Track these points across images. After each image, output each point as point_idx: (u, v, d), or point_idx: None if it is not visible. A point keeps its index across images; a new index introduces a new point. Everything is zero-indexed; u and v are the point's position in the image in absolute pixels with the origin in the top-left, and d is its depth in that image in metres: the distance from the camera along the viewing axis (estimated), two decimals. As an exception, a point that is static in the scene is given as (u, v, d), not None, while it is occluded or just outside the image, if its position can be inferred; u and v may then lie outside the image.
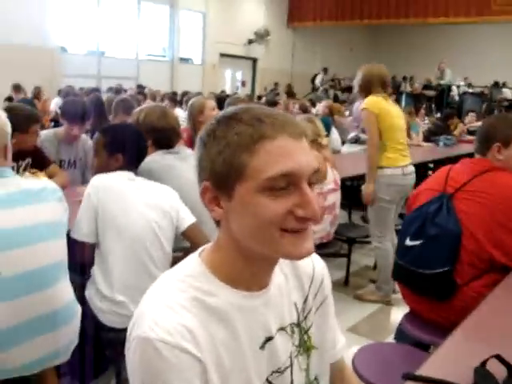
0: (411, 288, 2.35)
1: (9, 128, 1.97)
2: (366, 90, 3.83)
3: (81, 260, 2.31)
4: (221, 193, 0.92)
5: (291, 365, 1.05)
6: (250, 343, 0.98)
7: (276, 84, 17.61)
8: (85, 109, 3.78)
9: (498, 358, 1.37)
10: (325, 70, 18.13)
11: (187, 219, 2.39)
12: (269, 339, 1.00)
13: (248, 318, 0.97)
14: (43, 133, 3.70)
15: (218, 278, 0.97)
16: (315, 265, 1.16)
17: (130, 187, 2.35)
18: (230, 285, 0.97)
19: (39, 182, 2.04)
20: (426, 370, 1.40)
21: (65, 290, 2.01)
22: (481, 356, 1.39)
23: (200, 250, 1.03)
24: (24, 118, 3.05)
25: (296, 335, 1.07)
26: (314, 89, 17.83)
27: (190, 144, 4.09)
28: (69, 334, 2.01)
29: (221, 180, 0.91)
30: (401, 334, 2.60)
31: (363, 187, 3.86)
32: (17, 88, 9.04)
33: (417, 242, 2.28)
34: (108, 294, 2.23)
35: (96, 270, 2.29)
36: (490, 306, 1.85)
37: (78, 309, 2.08)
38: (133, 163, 2.48)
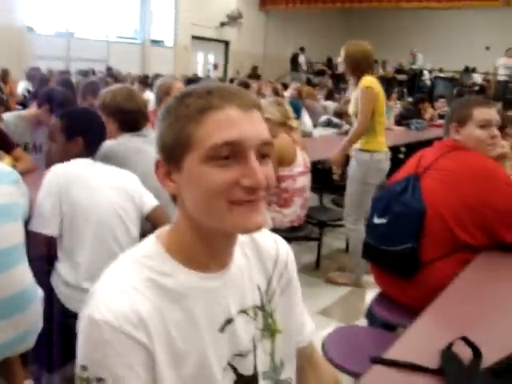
0: (379, 266, 2.39)
1: None
2: (359, 69, 3.78)
3: (44, 249, 2.24)
4: (171, 166, 0.92)
5: (254, 348, 1.04)
6: (209, 325, 0.96)
7: (255, 68, 17.53)
8: (73, 101, 3.68)
9: (464, 339, 1.38)
10: (302, 49, 18.11)
11: (150, 202, 2.36)
12: (229, 321, 0.99)
13: (206, 299, 0.96)
14: (7, 115, 3.60)
15: (174, 259, 0.95)
16: (279, 247, 1.15)
17: (92, 171, 2.29)
18: (187, 266, 0.95)
19: None
20: (394, 352, 1.40)
21: (23, 273, 1.95)
22: (448, 338, 1.40)
23: (158, 231, 1.01)
24: None
25: (260, 318, 1.05)
26: (296, 69, 17.79)
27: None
28: (29, 319, 1.95)
29: (170, 153, 0.91)
30: (371, 316, 2.61)
31: (333, 154, 3.89)
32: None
33: (383, 220, 2.31)
34: (74, 282, 2.18)
35: (60, 258, 2.23)
36: (457, 288, 1.86)
37: (39, 293, 2.03)
38: (92, 148, 2.42)
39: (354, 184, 3.90)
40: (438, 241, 2.17)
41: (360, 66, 3.77)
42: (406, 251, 2.18)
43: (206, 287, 0.96)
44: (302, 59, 18.10)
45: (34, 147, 3.70)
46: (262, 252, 1.10)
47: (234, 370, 1.01)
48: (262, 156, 0.90)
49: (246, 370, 1.03)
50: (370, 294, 3.68)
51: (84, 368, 0.87)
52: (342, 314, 3.69)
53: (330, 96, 9.49)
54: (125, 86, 3.12)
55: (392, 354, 1.39)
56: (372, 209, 2.47)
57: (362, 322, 3.14)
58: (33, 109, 3.80)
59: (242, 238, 1.04)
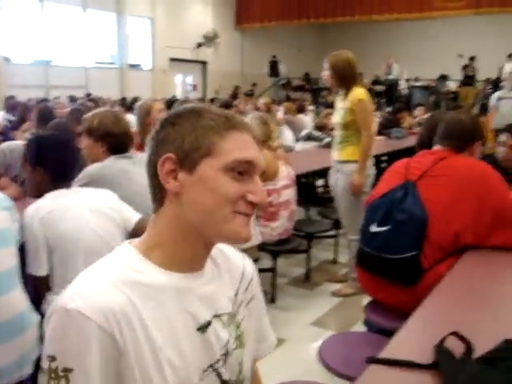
0: (377, 274, 2.37)
1: None
2: (346, 78, 3.83)
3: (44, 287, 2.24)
4: (183, 166, 0.98)
5: (227, 355, 1.05)
6: (186, 324, 0.99)
7: (237, 87, 17.69)
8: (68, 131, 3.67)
9: (456, 334, 1.42)
10: (274, 57, 18.39)
11: (132, 217, 2.34)
12: (208, 323, 1.02)
13: (182, 299, 0.99)
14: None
15: (148, 260, 0.99)
16: (245, 262, 1.20)
17: (69, 201, 2.24)
18: (163, 267, 0.99)
19: None
20: (388, 352, 1.43)
21: (17, 298, 1.96)
22: (440, 335, 1.43)
23: (128, 240, 1.07)
24: None
25: (232, 326, 1.08)
26: (276, 75, 18.05)
27: (140, 147, 4.08)
28: (26, 344, 1.95)
29: (187, 154, 0.97)
30: (369, 323, 2.63)
31: (355, 177, 3.85)
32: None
33: (384, 228, 2.30)
34: None
35: (53, 288, 2.21)
36: (446, 286, 1.91)
37: (35, 318, 2.02)
38: (59, 176, 2.30)
39: (348, 196, 3.91)
40: (438, 246, 2.20)
41: (346, 75, 3.82)
42: (410, 259, 2.20)
43: (182, 287, 1.00)
44: (282, 66, 18.36)
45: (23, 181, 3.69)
46: (230, 263, 1.15)
47: (218, 374, 1.03)
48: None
49: (224, 375, 1.05)
50: (360, 301, 3.71)
51: (52, 358, 0.88)
52: (335, 324, 3.72)
53: (301, 110, 9.53)
54: (109, 110, 3.15)
55: (387, 354, 1.42)
56: (367, 217, 2.46)
57: (356, 329, 3.17)
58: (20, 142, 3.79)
59: (214, 250, 1.08)
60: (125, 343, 0.90)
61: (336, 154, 4.04)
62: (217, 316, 1.04)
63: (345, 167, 3.92)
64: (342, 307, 3.91)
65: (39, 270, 2.17)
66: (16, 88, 12.15)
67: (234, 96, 14.89)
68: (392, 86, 16.34)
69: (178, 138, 0.98)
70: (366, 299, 2.62)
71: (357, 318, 3.41)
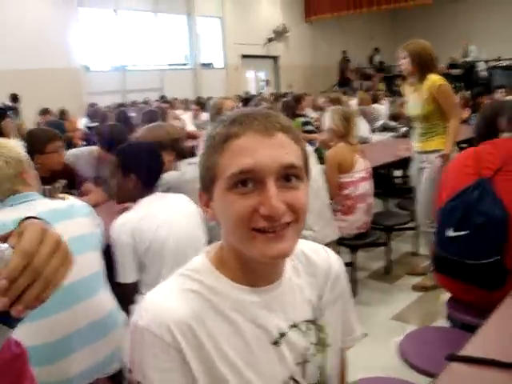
0: (457, 278, 2.26)
1: (23, 155, 2.02)
2: (426, 66, 3.73)
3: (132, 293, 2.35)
4: (207, 195, 0.97)
5: (305, 362, 1.04)
6: (259, 339, 0.97)
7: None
8: (122, 135, 3.79)
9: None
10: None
11: None
12: (282, 335, 1.00)
13: (255, 313, 0.97)
14: (75, 151, 3.78)
15: (221, 274, 0.99)
16: (330, 259, 1.15)
17: (158, 206, 2.36)
18: (235, 281, 0.98)
19: (67, 201, 2.10)
20: (471, 349, 1.40)
21: (105, 299, 2.08)
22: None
23: (208, 247, 1.07)
24: (37, 139, 3.13)
25: (312, 332, 1.06)
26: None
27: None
28: (115, 342, 2.06)
29: (204, 183, 0.97)
30: (451, 318, 2.56)
31: (446, 147, 3.72)
32: (43, 112, 9.14)
33: (461, 233, 2.17)
34: None
35: (143, 292, 2.33)
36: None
37: (123, 317, 2.13)
38: (149, 182, 2.43)
39: (433, 188, 3.64)
40: None
41: (426, 61, 3.73)
42: (494, 263, 2.08)
43: (252, 301, 0.98)
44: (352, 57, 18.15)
45: (100, 181, 3.86)
46: (313, 267, 1.10)
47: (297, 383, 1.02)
48: (288, 180, 0.90)
49: (303, 382, 1.04)
50: (444, 295, 3.62)
51: (130, 371, 0.93)
52: (416, 318, 3.65)
53: (375, 100, 9.35)
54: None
55: (469, 351, 1.39)
56: (443, 220, 2.30)
57: (437, 324, 3.10)
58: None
59: (294, 253, 1.02)
60: (193, 355, 0.92)
61: (420, 146, 3.92)
62: (294, 326, 1.03)
63: (431, 157, 3.80)
64: (423, 301, 3.83)
65: (128, 278, 2.29)
66: (95, 95, 12.66)
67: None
68: (470, 68, 15.71)
69: (198, 167, 0.98)
70: (447, 293, 2.56)
71: (438, 313, 3.33)
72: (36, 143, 3.07)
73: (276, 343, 0.99)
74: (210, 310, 0.95)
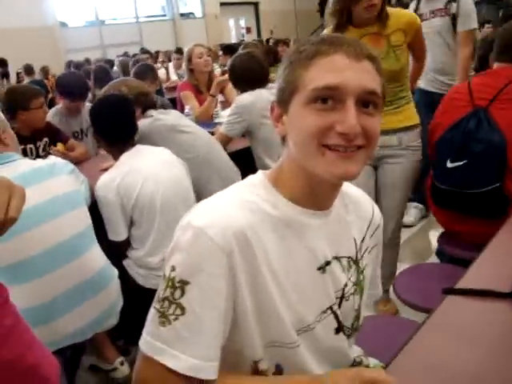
0: (455, 210, 2.26)
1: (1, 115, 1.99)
2: None
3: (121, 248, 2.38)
4: (282, 108, 0.97)
5: (342, 298, 1.04)
6: (307, 261, 0.98)
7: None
8: (80, 84, 3.75)
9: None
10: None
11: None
12: (328, 263, 1.00)
13: (305, 234, 0.98)
14: (51, 112, 3.70)
15: (278, 192, 0.98)
16: (375, 210, 1.16)
17: (138, 161, 2.31)
18: (291, 201, 0.97)
19: (48, 161, 2.07)
20: (465, 282, 1.40)
21: (97, 255, 2.06)
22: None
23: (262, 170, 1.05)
24: (22, 95, 3.07)
25: (353, 271, 1.06)
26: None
27: (197, 94, 4.09)
28: (110, 297, 2.08)
29: (282, 96, 0.96)
30: (442, 255, 2.57)
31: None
32: (27, 70, 8.91)
33: (460, 163, 2.16)
34: (147, 264, 2.29)
35: (133, 245, 2.35)
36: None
37: (114, 272, 2.14)
38: (122, 137, 2.37)
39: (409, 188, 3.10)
40: None
41: None
42: (494, 191, 2.08)
43: (306, 222, 0.98)
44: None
45: (82, 132, 3.81)
46: (360, 209, 1.11)
47: (336, 316, 1.03)
48: (366, 106, 0.90)
49: (341, 317, 1.05)
50: (433, 232, 3.65)
51: (173, 268, 0.90)
52: (408, 256, 3.67)
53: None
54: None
55: (463, 284, 1.39)
56: (440, 152, 2.26)
57: (430, 261, 3.12)
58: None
59: (345, 191, 1.06)
60: (244, 264, 0.91)
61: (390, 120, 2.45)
62: (336, 258, 1.03)
63: (408, 136, 2.51)
64: (414, 239, 3.86)
65: (119, 236, 2.29)
66: (74, 52, 12.38)
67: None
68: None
69: (278, 79, 0.98)
70: (439, 230, 2.56)
71: (431, 250, 3.36)
72: (20, 99, 3.03)
73: (322, 269, 1.00)
74: (267, 224, 0.94)
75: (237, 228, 0.90)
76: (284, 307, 0.94)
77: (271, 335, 0.95)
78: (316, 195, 0.98)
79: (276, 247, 0.94)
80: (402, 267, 2.53)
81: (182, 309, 0.88)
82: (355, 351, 1.20)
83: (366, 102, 0.90)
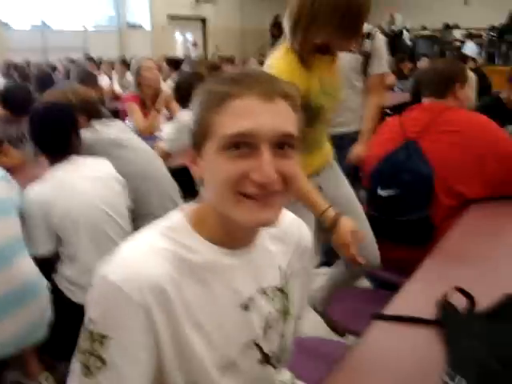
0: (384, 238, 2.31)
1: None
2: None
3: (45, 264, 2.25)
4: (196, 152, 0.93)
5: (268, 328, 1.05)
6: (229, 302, 0.97)
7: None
8: (26, 97, 3.64)
9: (459, 289, 1.42)
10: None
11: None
12: (251, 299, 1.00)
13: (226, 275, 0.96)
14: None
15: (197, 233, 0.96)
16: (302, 230, 1.15)
17: (69, 175, 2.23)
18: (211, 241, 0.96)
19: None
20: (393, 308, 1.44)
21: (27, 264, 2.00)
22: (444, 290, 1.44)
23: (184, 205, 1.03)
24: None
25: (277, 299, 1.06)
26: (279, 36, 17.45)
27: (142, 107, 4.06)
28: (39, 308, 2.01)
29: (194, 139, 0.93)
30: (372, 278, 2.63)
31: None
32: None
33: (390, 191, 2.26)
34: (78, 281, 2.21)
35: (63, 261, 2.26)
36: (450, 242, 1.92)
37: (44, 282, 2.07)
38: (56, 150, 2.28)
39: None
40: (447, 203, 2.17)
41: None
42: (421, 219, 2.18)
43: (227, 263, 0.97)
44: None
45: (18, 138, 3.68)
46: (285, 234, 1.10)
47: (260, 348, 1.03)
48: (282, 147, 0.87)
49: (265, 347, 1.05)
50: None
51: (91, 321, 0.89)
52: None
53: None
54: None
55: (392, 309, 1.44)
56: (373, 181, 2.37)
57: (364, 284, 3.19)
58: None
59: None
60: (162, 318, 0.89)
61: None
62: (262, 290, 1.03)
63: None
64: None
65: (37, 250, 2.17)
66: (14, 52, 12.02)
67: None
68: (395, 36, 15.99)
69: (190, 121, 0.94)
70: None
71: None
72: None
73: (244, 306, 0.99)
74: (185, 270, 0.92)
75: (153, 282, 0.88)
76: (204, 349, 0.94)
77: (193, 377, 0.95)
78: (236, 236, 0.97)
79: (196, 293, 0.93)
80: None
81: (103, 361, 0.87)
82: (285, 375, 1.22)
83: (281, 143, 0.87)
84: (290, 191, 0.90)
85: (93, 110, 2.71)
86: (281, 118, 0.87)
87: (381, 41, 3.17)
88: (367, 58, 3.12)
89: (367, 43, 3.08)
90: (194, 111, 0.93)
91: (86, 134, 2.56)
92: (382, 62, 3.18)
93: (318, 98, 1.92)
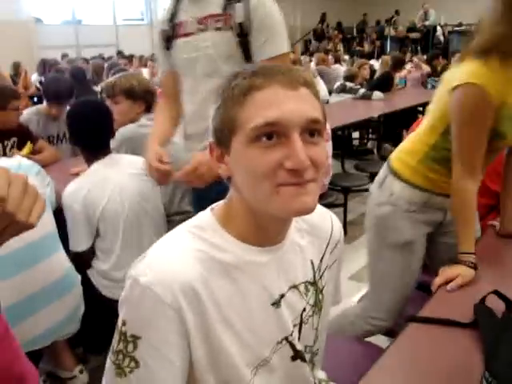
0: None
1: None
2: None
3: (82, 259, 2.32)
4: (222, 149, 0.92)
5: (301, 323, 1.05)
6: (260, 300, 0.97)
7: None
8: (68, 87, 3.69)
9: (497, 293, 1.40)
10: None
11: None
12: (282, 296, 1.00)
13: (256, 273, 0.96)
14: (26, 112, 3.64)
15: (227, 232, 0.96)
16: (334, 223, 1.16)
17: (107, 173, 2.26)
18: (239, 239, 0.96)
19: (14, 160, 2.04)
20: (428, 310, 1.43)
21: (61, 259, 2.06)
22: (481, 294, 1.42)
23: (214, 204, 1.03)
24: (1, 94, 3.03)
25: (310, 294, 1.07)
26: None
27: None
28: (73, 301, 2.07)
29: (220, 136, 0.92)
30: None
31: None
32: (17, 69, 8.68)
33: None
34: (108, 274, 2.26)
35: (98, 256, 2.31)
36: (487, 244, 1.88)
37: (77, 276, 2.13)
38: (97, 146, 2.31)
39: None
40: (480, 201, 1.98)
41: None
42: None
43: (257, 261, 0.96)
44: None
45: (58, 138, 3.76)
46: (316, 228, 1.10)
47: (292, 345, 1.03)
48: (312, 135, 0.87)
49: (298, 345, 1.05)
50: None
51: (124, 323, 0.90)
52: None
53: (337, 60, 9.32)
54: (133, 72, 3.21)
55: (426, 312, 1.42)
56: None
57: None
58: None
59: None
60: (193, 318, 0.90)
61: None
62: (294, 287, 1.03)
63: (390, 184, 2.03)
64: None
65: (78, 247, 2.24)
66: (47, 49, 12.19)
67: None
68: (428, 32, 15.76)
69: (212, 120, 0.93)
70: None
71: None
72: None
73: (276, 304, 0.99)
74: (216, 269, 0.93)
75: (184, 283, 0.88)
76: (236, 349, 0.94)
77: (224, 377, 0.95)
78: (267, 233, 0.97)
79: (227, 293, 0.93)
80: (367, 288, 2.56)
81: (136, 362, 0.89)
82: (320, 374, 1.22)
83: (311, 130, 0.87)
84: (320, 179, 0.89)
85: (150, 102, 2.76)
86: (306, 104, 0.87)
87: (263, 3, 1.84)
88: (242, 34, 1.84)
89: (238, 9, 1.83)
90: (217, 108, 0.92)
91: (129, 126, 2.60)
92: (276, 36, 1.86)
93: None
